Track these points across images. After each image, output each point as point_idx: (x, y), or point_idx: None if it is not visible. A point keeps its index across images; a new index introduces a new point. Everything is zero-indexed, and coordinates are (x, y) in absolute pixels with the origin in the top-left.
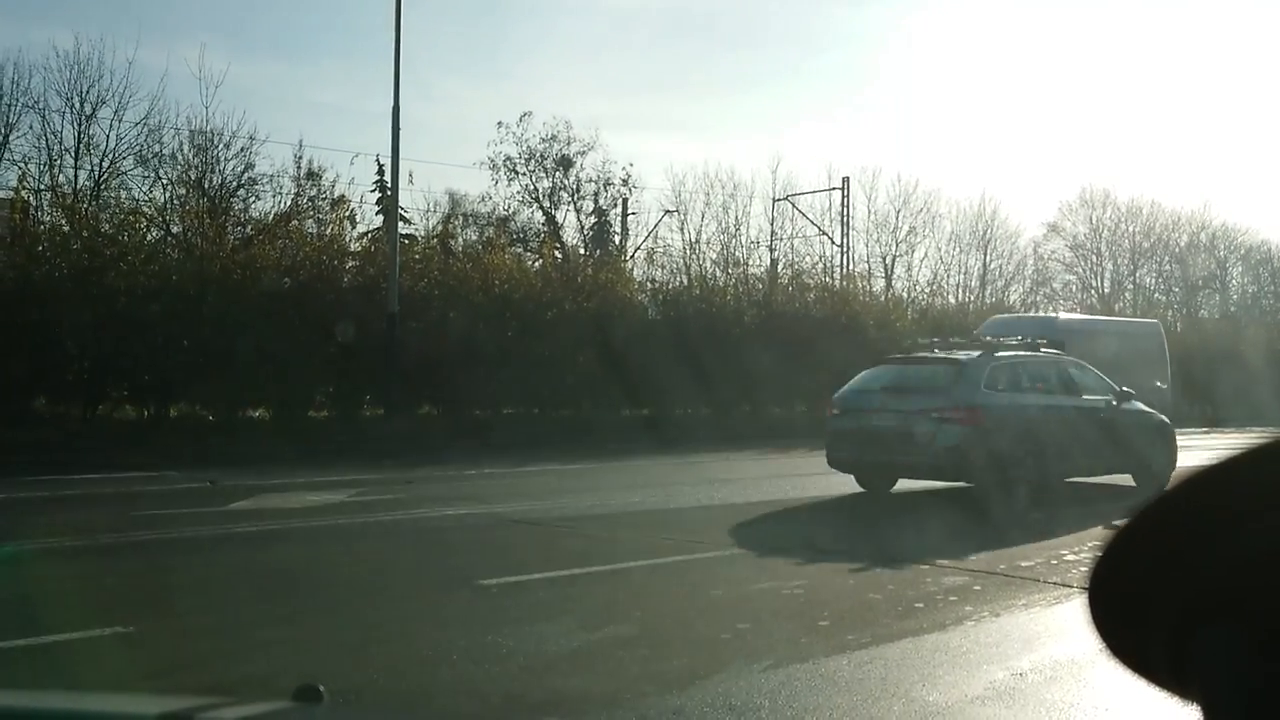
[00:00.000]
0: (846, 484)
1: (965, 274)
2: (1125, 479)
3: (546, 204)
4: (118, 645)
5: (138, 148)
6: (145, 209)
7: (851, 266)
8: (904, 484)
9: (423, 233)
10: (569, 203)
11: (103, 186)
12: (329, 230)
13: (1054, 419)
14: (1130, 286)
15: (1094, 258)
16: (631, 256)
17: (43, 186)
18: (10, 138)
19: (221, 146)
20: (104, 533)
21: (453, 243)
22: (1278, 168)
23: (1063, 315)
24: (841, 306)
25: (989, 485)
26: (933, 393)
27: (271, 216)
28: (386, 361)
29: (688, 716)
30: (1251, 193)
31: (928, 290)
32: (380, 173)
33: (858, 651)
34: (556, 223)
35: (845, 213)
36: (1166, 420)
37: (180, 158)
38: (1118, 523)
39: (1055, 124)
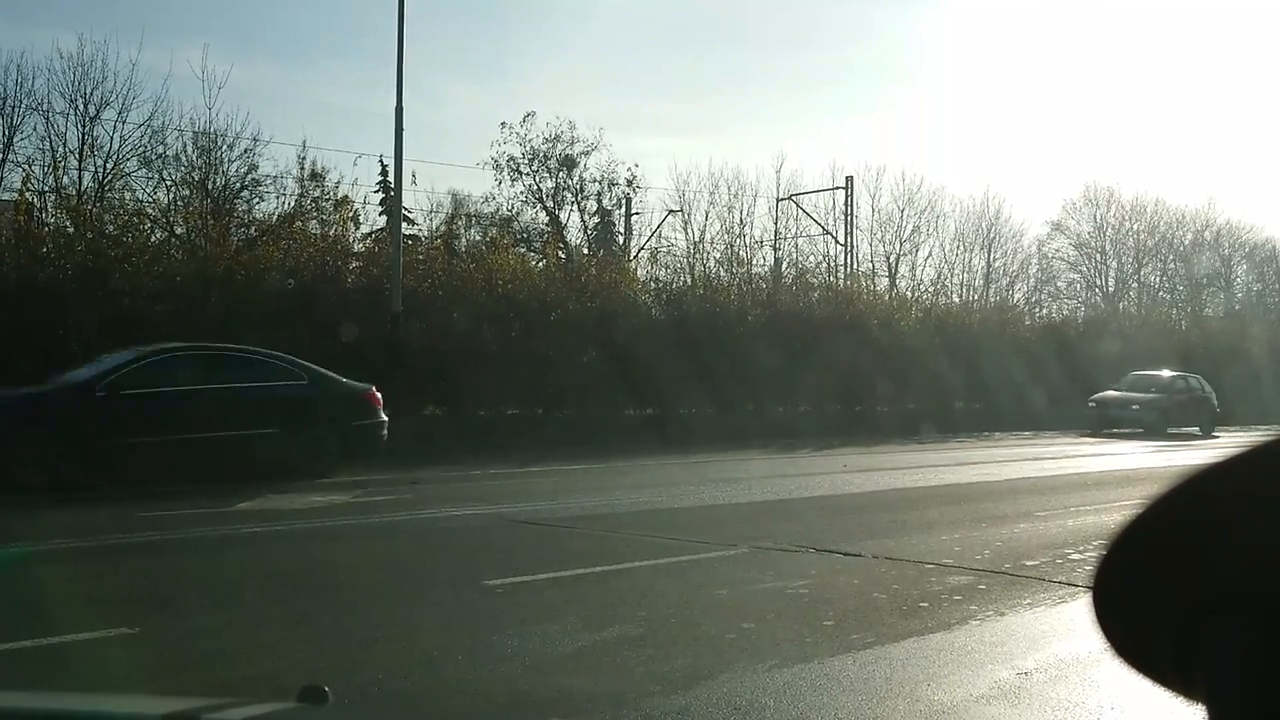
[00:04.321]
0: (851, 483)
1: (969, 273)
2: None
3: (550, 204)
4: (122, 646)
5: (141, 149)
6: (149, 210)
7: (856, 266)
8: (906, 482)
9: (426, 233)
10: (573, 203)
11: (107, 188)
12: (333, 231)
13: None
14: (1135, 285)
15: (1098, 256)
16: (635, 256)
17: (47, 188)
18: (14, 140)
19: (225, 148)
20: (108, 533)
21: (456, 243)
22: None
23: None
24: (845, 306)
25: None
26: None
27: (275, 217)
28: (390, 362)
29: (692, 716)
30: (1256, 190)
31: (932, 289)
32: (384, 173)
33: (862, 651)
34: (560, 223)
35: (849, 212)
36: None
37: (184, 159)
38: (1123, 520)
39: (1059, 122)
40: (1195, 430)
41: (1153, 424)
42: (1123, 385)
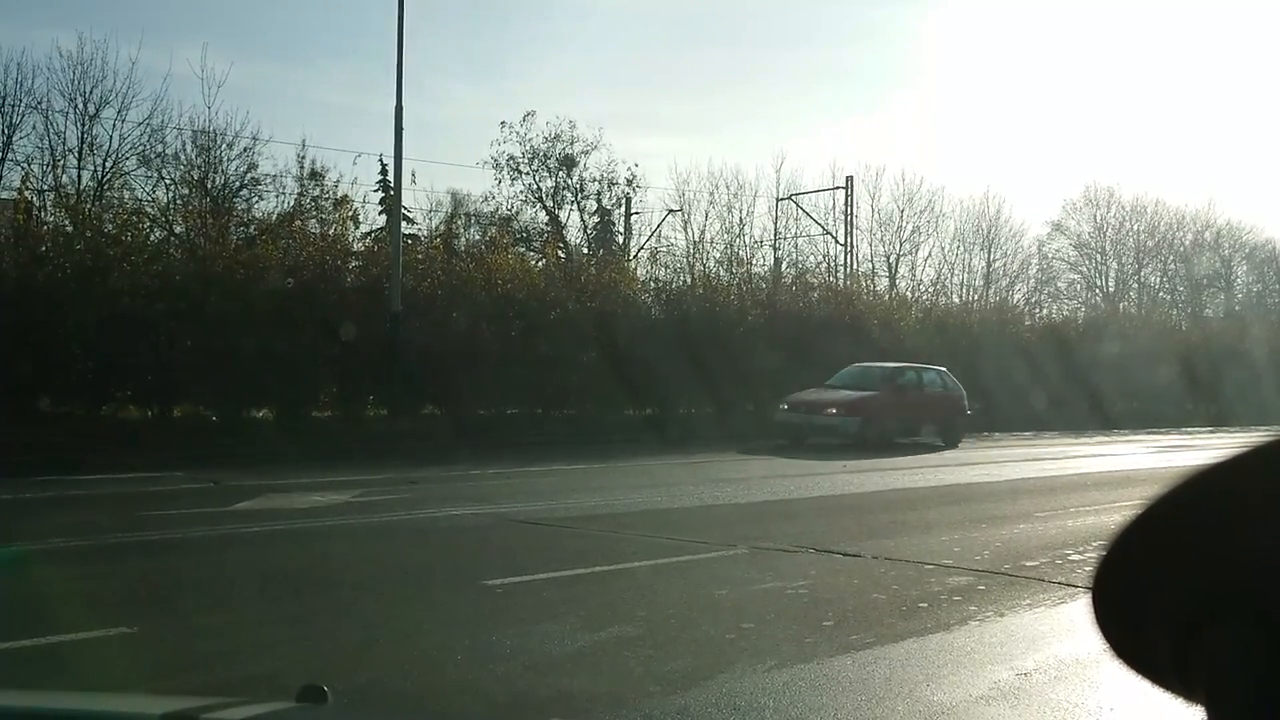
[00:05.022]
0: (850, 483)
1: (969, 273)
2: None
3: (550, 203)
4: (122, 645)
5: (141, 148)
6: (148, 209)
7: (855, 266)
8: (905, 482)
9: (426, 232)
10: (572, 202)
11: (106, 187)
12: (332, 230)
13: None
14: (1135, 285)
15: (1099, 256)
16: (635, 256)
17: (46, 187)
18: (14, 138)
19: (224, 146)
20: (108, 533)
21: (456, 242)
22: None
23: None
24: (845, 306)
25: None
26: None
27: (275, 216)
28: (390, 361)
29: (692, 716)
30: (1256, 191)
31: (931, 289)
32: (383, 172)
33: (862, 651)
34: (560, 222)
35: (849, 212)
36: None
37: (183, 158)
38: (1122, 521)
39: (1059, 122)
40: (937, 441)
41: (856, 433)
42: (837, 381)
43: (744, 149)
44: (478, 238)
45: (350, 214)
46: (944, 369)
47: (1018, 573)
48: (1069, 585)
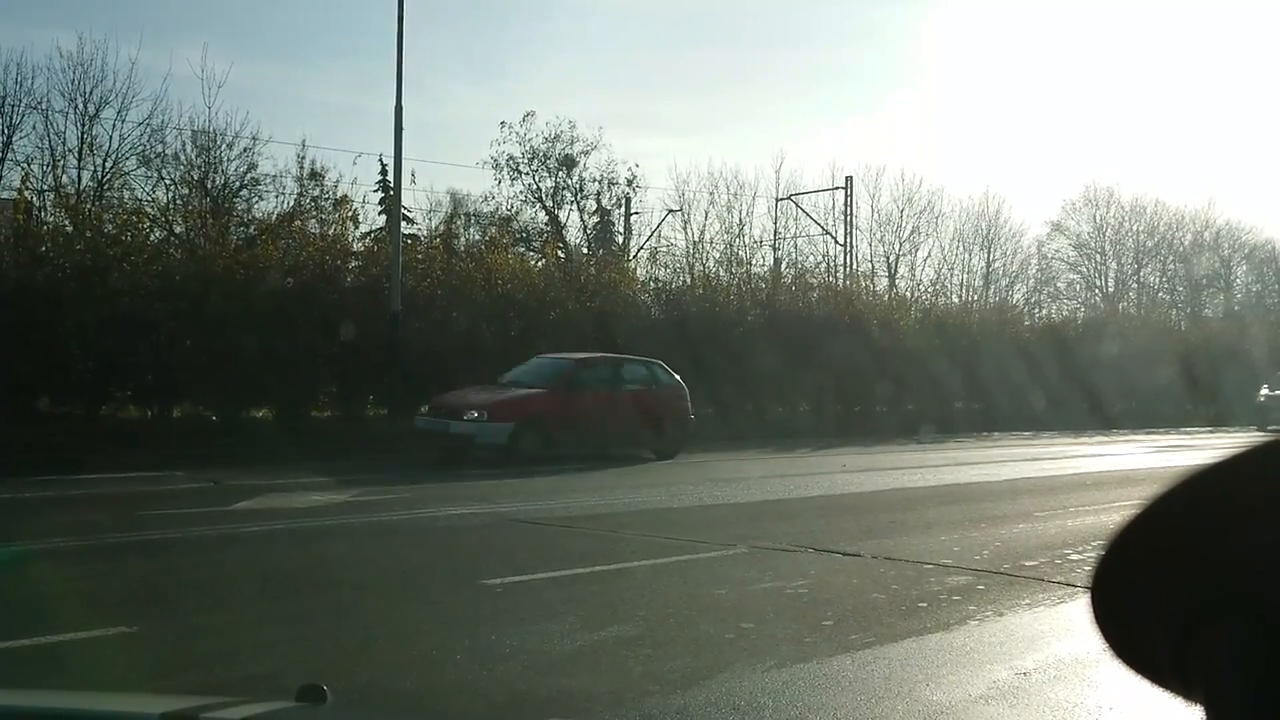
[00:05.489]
0: (850, 483)
1: (969, 273)
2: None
3: (549, 203)
4: (122, 645)
5: (141, 148)
6: (148, 209)
7: (855, 266)
8: (905, 482)
9: (425, 232)
10: (572, 202)
11: (106, 187)
12: (332, 230)
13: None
14: (1135, 285)
15: (1098, 257)
16: (635, 256)
17: (46, 187)
18: (14, 138)
19: (224, 147)
20: (108, 533)
21: (456, 242)
22: None
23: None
24: (845, 306)
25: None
26: None
27: (274, 216)
28: (389, 361)
29: (691, 716)
30: (1256, 191)
31: (931, 290)
32: (383, 172)
33: (861, 651)
34: (559, 222)
35: (849, 212)
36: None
37: (183, 158)
38: (1122, 521)
39: (1059, 122)
40: (645, 452)
41: (506, 443)
42: (512, 376)
43: (744, 149)
44: (477, 238)
45: (350, 214)
46: (659, 362)
47: (1017, 572)
48: (1068, 585)
